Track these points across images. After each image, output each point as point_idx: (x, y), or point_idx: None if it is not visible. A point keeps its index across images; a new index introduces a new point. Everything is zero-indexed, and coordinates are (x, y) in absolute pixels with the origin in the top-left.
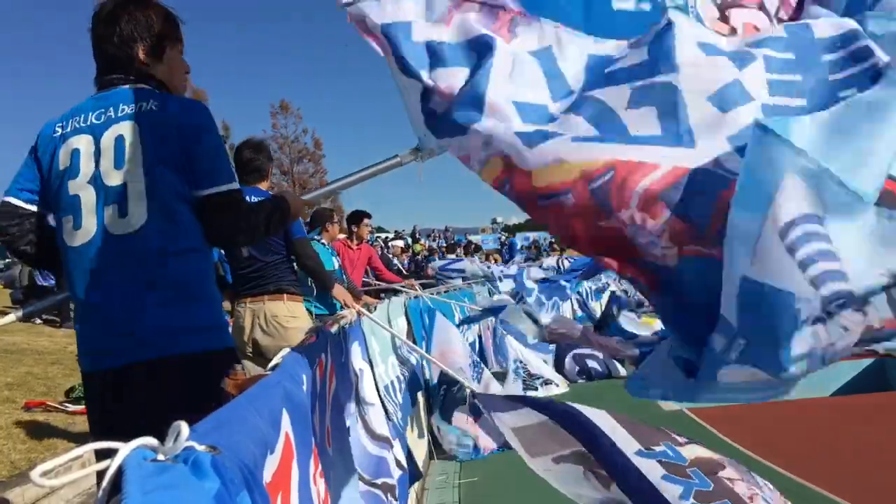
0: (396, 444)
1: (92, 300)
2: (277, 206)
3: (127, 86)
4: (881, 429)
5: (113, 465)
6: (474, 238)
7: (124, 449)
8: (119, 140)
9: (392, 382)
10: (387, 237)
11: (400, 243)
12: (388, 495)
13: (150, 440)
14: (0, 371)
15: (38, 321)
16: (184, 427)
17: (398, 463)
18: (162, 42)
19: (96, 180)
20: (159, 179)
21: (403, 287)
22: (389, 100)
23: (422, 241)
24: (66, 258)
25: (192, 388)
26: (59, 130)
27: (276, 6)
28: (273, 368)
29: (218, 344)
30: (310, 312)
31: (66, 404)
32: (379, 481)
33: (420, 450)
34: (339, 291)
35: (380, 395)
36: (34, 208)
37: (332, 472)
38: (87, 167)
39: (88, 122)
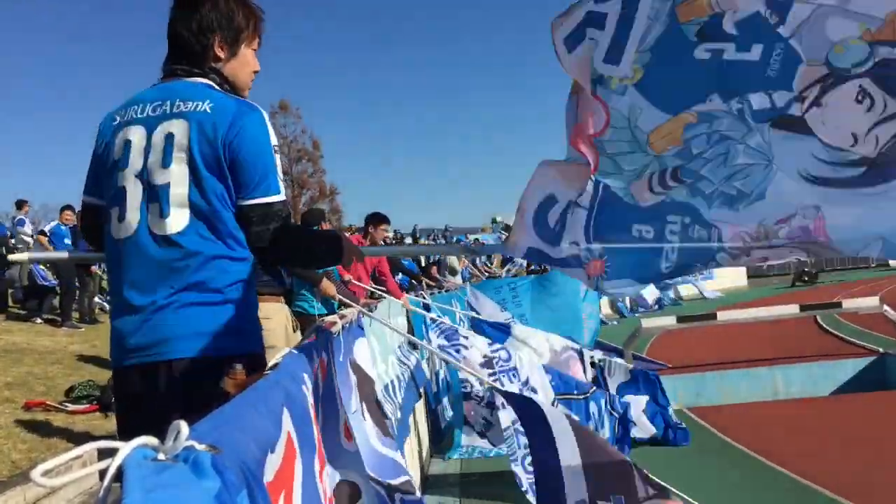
0: (397, 443)
1: (126, 296)
2: (332, 239)
3: (190, 79)
4: (881, 427)
5: (113, 464)
6: (473, 237)
7: (125, 448)
8: (169, 138)
9: (392, 382)
10: (386, 237)
11: None
12: (395, 495)
13: (151, 439)
14: (0, 371)
15: (39, 321)
16: (183, 426)
17: (403, 461)
18: (239, 37)
19: (143, 175)
20: (203, 184)
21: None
22: (388, 100)
23: (422, 241)
24: (108, 249)
25: (214, 391)
26: (118, 119)
27: (275, 5)
28: (273, 367)
29: (245, 348)
30: (307, 313)
31: (66, 404)
32: (385, 482)
33: (420, 449)
34: (326, 286)
35: (380, 395)
36: (97, 201)
37: (351, 469)
38: (136, 161)
39: (145, 114)
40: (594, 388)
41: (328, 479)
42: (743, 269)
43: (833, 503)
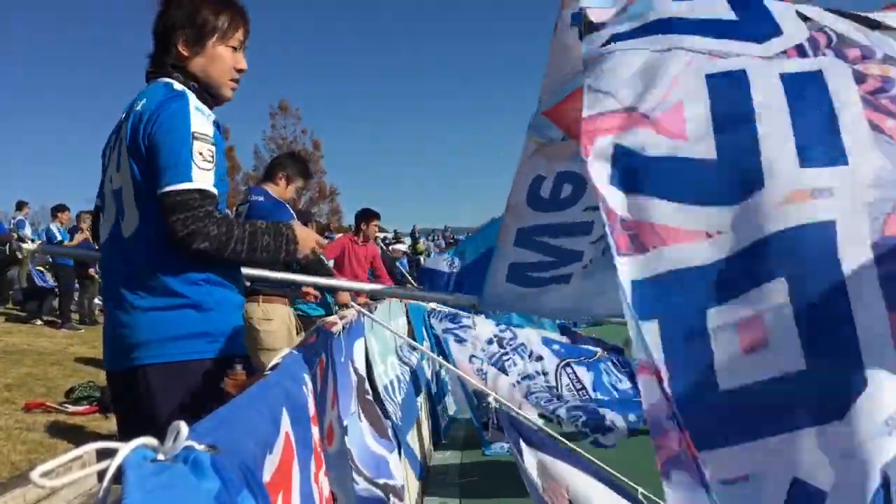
0: (397, 444)
1: (105, 301)
2: (278, 228)
3: (157, 80)
4: None
5: (113, 464)
6: None
7: (124, 449)
8: (119, 143)
9: (392, 382)
10: (385, 237)
11: (402, 247)
12: (390, 496)
13: (150, 440)
14: (0, 372)
15: (39, 322)
16: (183, 427)
17: (399, 464)
18: (203, 34)
19: (111, 183)
20: (140, 183)
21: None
22: (389, 99)
23: (421, 241)
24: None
25: (190, 393)
26: (117, 130)
27: (274, 5)
28: (273, 368)
29: (216, 351)
30: (306, 315)
31: (66, 405)
32: (380, 481)
33: (421, 448)
34: (343, 297)
35: (380, 395)
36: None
37: (332, 472)
38: (111, 168)
39: (121, 122)
40: (600, 351)
41: (325, 480)
42: None
43: None
